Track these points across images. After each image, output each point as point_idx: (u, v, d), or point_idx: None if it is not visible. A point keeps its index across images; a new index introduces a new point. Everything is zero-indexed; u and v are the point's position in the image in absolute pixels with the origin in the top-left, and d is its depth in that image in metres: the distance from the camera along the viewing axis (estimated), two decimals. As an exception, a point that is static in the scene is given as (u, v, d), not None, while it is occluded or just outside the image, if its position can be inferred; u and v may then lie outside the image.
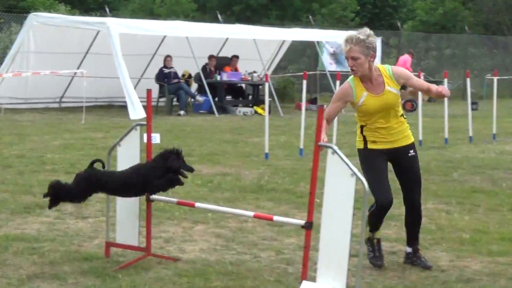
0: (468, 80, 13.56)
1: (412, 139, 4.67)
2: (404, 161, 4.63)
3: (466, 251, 5.06)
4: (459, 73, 27.11)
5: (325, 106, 4.44)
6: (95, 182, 4.45)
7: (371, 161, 4.55)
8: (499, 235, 5.51)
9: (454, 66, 28.95)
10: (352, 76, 4.52)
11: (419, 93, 10.46)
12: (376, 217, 4.61)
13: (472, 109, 13.48)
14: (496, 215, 6.39)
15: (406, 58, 21.93)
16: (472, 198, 7.14)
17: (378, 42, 9.39)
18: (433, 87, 4.62)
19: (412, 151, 4.63)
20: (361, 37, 4.34)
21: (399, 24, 29.21)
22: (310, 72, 19.54)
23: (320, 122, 3.81)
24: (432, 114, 15.86)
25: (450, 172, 8.77)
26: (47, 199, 4.54)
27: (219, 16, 22.11)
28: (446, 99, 10.78)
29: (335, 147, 3.80)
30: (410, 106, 18.72)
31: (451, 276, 4.48)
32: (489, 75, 21.80)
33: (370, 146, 4.54)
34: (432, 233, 5.58)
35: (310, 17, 25.98)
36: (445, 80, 11.53)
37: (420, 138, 11.23)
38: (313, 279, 3.88)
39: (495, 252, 5.01)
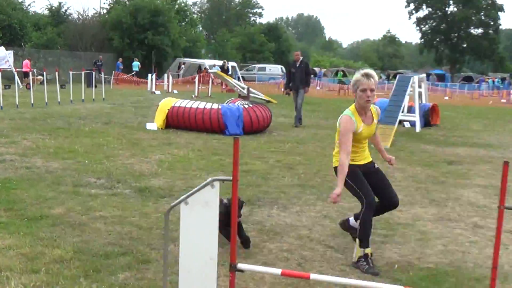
0: None
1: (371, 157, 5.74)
2: (374, 173, 5.60)
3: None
4: None
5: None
6: None
7: (355, 173, 5.34)
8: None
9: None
10: (348, 109, 5.33)
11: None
12: (369, 222, 5.33)
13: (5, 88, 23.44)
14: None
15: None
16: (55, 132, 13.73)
17: None
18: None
19: (375, 165, 5.72)
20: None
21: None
22: None
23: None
24: None
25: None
26: None
27: None
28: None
29: None
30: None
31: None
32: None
33: (350, 163, 5.24)
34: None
35: None
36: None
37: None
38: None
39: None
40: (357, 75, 5.23)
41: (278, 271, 3.86)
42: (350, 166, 5.21)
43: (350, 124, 5.18)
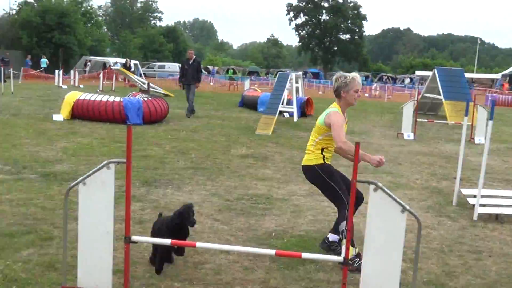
0: None
1: None
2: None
3: None
4: None
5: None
6: None
7: (333, 172, 4.92)
8: None
9: None
10: (333, 107, 4.95)
11: None
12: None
13: None
14: None
15: None
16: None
17: None
18: None
19: None
20: None
21: None
22: None
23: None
24: None
25: None
26: None
27: None
28: None
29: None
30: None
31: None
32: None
33: (326, 161, 4.93)
34: None
35: None
36: None
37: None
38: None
39: None
40: (350, 78, 4.95)
41: (168, 241, 3.84)
42: (328, 165, 4.92)
43: (341, 117, 4.85)
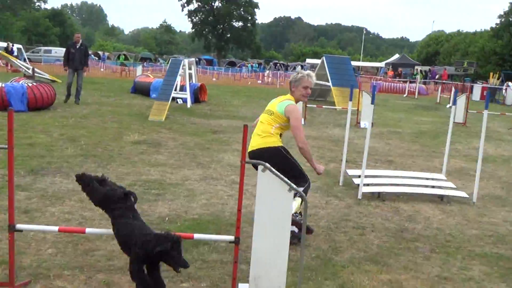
0: None
1: None
2: None
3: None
4: None
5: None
6: None
7: (289, 154, 5.15)
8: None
9: None
10: (289, 100, 5.20)
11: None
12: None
13: None
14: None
15: None
16: None
17: None
18: None
19: None
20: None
21: None
22: None
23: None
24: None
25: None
26: None
27: None
28: None
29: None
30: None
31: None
32: None
33: (282, 145, 5.17)
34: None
35: None
36: None
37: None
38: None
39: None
40: (302, 74, 5.23)
41: (55, 228, 3.73)
42: (283, 147, 5.16)
43: (300, 114, 5.26)
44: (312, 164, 5.20)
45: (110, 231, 4.12)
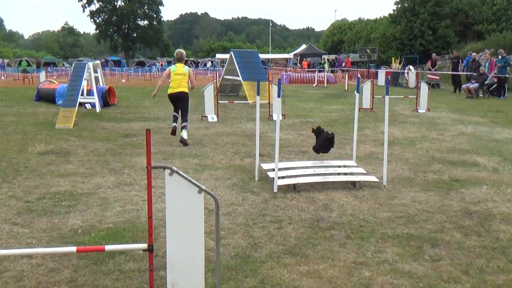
0: None
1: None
2: None
3: None
4: None
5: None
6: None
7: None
8: None
9: None
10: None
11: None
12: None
13: None
14: None
15: None
16: None
17: None
18: None
19: None
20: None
21: None
22: None
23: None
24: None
25: None
26: None
27: None
28: None
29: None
30: None
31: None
32: None
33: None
34: None
35: None
36: None
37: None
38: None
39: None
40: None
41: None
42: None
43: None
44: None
45: (18, 250, 3.94)
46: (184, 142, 10.52)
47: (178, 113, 11.08)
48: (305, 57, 56.72)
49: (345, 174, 7.80)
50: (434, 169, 8.56)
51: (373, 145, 10.77)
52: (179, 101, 10.88)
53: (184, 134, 10.63)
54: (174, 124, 11.01)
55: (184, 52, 11.28)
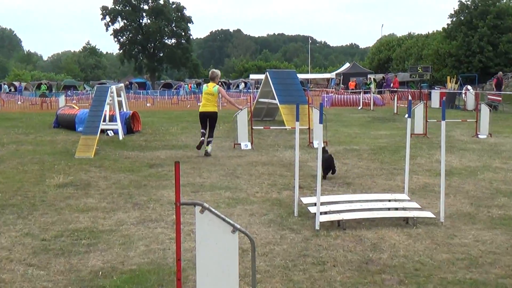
0: None
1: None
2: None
3: None
4: None
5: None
6: None
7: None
8: None
9: None
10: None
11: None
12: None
13: None
14: None
15: None
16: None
17: None
18: None
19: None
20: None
21: None
22: None
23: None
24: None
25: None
26: None
27: None
28: None
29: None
30: None
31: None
32: None
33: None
34: None
35: None
36: None
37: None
38: None
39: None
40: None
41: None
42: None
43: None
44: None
45: None
46: (207, 155, 13.00)
47: (205, 130, 13.23)
48: (349, 76, 56.67)
49: (396, 209, 7.66)
50: (499, 203, 8.35)
51: (427, 175, 10.59)
52: (207, 119, 13.18)
53: (209, 148, 13.13)
54: (202, 138, 13.19)
55: (218, 72, 12.80)
